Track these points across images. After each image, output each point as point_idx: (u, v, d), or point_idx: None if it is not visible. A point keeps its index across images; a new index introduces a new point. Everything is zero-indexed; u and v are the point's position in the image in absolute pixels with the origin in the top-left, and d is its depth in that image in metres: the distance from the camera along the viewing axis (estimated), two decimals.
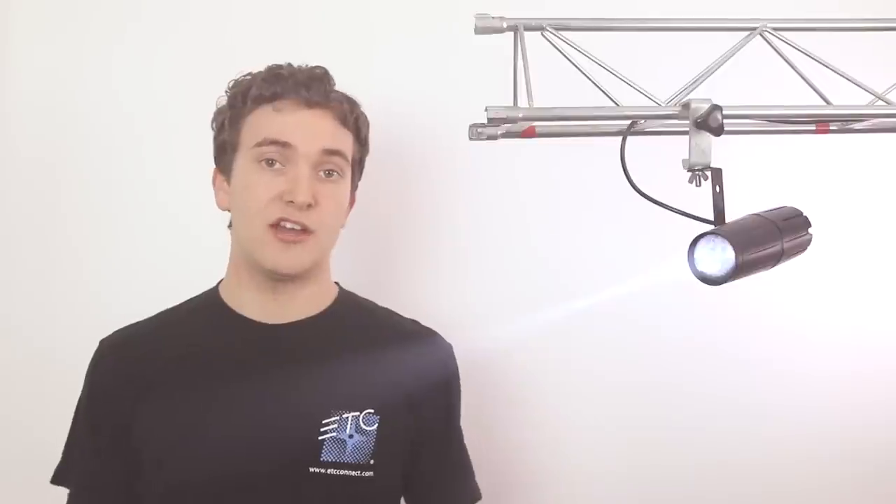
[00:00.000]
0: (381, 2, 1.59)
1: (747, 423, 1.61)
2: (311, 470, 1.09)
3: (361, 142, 1.21)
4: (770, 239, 0.99)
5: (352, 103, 1.18)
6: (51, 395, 1.46)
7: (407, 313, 1.28)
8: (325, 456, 1.09)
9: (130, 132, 1.56)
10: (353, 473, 1.10)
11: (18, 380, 1.54)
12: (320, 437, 1.10)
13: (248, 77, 1.18)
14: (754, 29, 1.08)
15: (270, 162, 1.11)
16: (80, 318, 1.51)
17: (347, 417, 1.11)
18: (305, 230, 1.11)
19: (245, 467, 1.09)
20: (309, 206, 1.09)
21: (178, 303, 1.24)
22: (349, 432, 1.11)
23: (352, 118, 1.17)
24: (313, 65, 1.17)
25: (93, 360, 1.18)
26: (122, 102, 1.56)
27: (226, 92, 1.19)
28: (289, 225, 1.10)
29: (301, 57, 1.21)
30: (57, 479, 1.18)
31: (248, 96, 1.14)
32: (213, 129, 1.20)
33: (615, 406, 1.60)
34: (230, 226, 1.20)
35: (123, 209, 1.56)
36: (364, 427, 1.12)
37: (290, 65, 1.17)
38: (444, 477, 1.23)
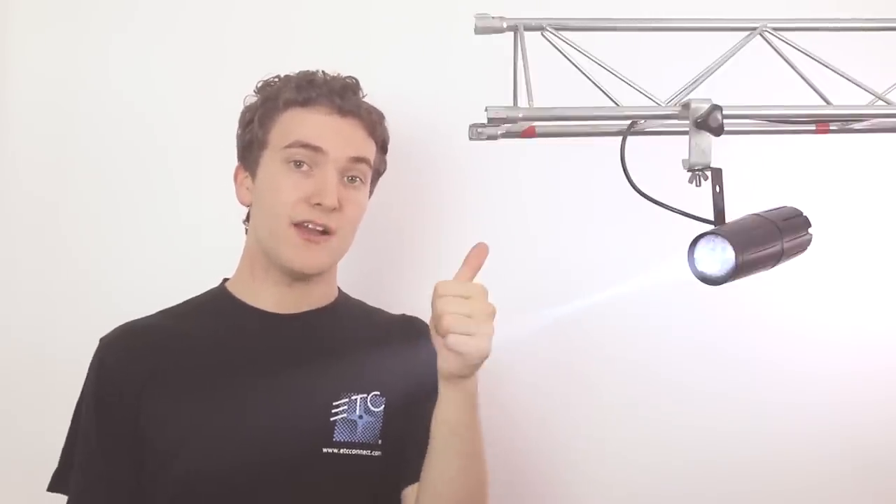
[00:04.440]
0: (381, 2, 1.59)
1: (749, 422, 1.61)
2: (325, 451, 1.12)
3: (383, 152, 1.26)
4: (770, 239, 0.99)
5: (379, 116, 1.23)
6: (53, 397, 1.47)
7: (406, 312, 1.29)
8: (338, 436, 1.13)
9: (132, 129, 1.56)
10: (364, 453, 1.14)
11: (19, 380, 1.53)
12: (332, 419, 1.14)
13: (278, 78, 1.22)
14: (754, 29, 1.08)
15: (298, 163, 1.15)
16: (82, 318, 1.51)
17: (356, 399, 1.15)
18: (327, 231, 1.15)
19: (262, 452, 1.11)
20: (334, 209, 1.14)
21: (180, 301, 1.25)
22: (359, 413, 1.15)
23: (379, 130, 1.23)
24: (345, 75, 1.22)
25: (95, 356, 1.18)
26: (123, 99, 1.56)
27: (255, 91, 1.23)
28: (311, 226, 1.14)
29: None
30: (54, 486, 1.18)
31: (280, 98, 1.18)
32: (238, 125, 1.23)
33: (616, 405, 1.60)
34: (246, 220, 1.23)
35: (124, 207, 1.56)
36: (372, 408, 1.16)
37: (323, 72, 1.21)
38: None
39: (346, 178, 1.17)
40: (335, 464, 1.13)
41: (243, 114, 1.23)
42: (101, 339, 1.19)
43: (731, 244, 0.95)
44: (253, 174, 1.20)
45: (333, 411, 1.14)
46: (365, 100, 1.23)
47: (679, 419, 1.60)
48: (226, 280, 1.25)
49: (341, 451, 1.13)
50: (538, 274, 1.58)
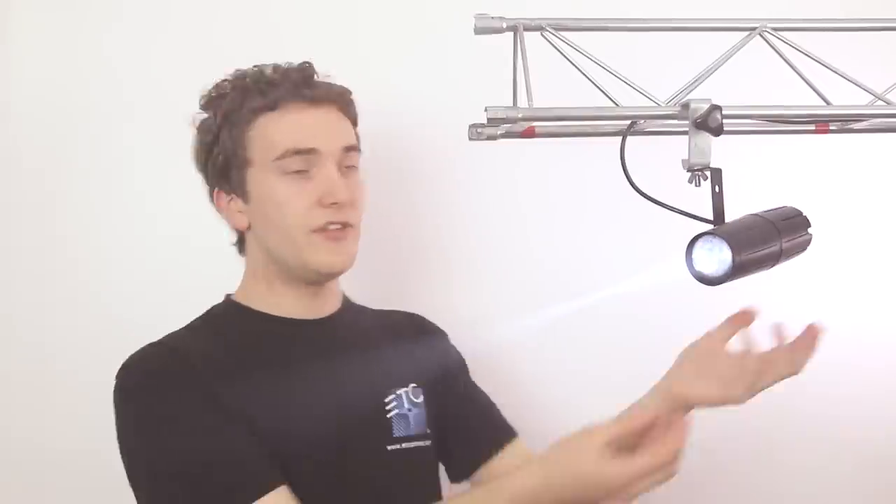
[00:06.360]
0: (380, 2, 1.59)
1: (748, 422, 1.59)
2: (389, 448, 1.13)
3: (355, 126, 1.21)
4: (768, 239, 0.99)
5: (348, 92, 1.18)
6: (52, 397, 1.47)
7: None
8: (396, 432, 1.14)
9: (132, 126, 1.54)
10: (421, 444, 1.15)
11: (19, 386, 1.53)
12: (388, 416, 1.14)
13: (219, 88, 1.14)
14: (754, 29, 1.08)
15: (297, 171, 1.10)
16: (81, 318, 1.50)
17: (401, 393, 1.16)
18: (346, 225, 1.12)
19: (331, 457, 1.08)
20: (349, 203, 1.12)
21: (180, 306, 1.17)
22: (407, 406, 1.16)
23: (352, 108, 1.19)
24: (297, 63, 1.15)
25: (129, 378, 1.05)
26: (124, 97, 1.54)
27: (201, 107, 1.15)
28: (332, 227, 1.11)
29: (299, 57, 1.20)
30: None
31: (243, 107, 1.11)
32: (198, 150, 1.15)
33: (614, 405, 1.59)
34: (236, 243, 1.18)
35: (123, 206, 1.54)
36: (414, 399, 1.17)
37: (275, 66, 1.14)
38: (487, 411, 1.29)
39: (343, 168, 1.13)
40: (399, 459, 1.13)
41: (202, 136, 1.14)
42: (132, 359, 1.06)
43: (728, 244, 0.95)
44: (243, 195, 1.12)
45: (387, 408, 1.14)
46: (325, 80, 1.16)
47: None
48: (229, 296, 1.18)
49: (402, 445, 1.13)
50: (537, 274, 1.58)
